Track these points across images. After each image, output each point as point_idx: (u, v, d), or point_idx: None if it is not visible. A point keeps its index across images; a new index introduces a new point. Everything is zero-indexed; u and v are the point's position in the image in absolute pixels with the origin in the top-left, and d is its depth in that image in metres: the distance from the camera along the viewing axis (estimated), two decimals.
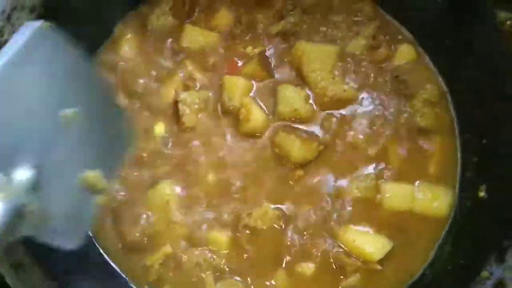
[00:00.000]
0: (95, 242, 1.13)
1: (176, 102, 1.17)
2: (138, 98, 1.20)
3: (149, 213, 1.12)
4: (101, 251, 1.13)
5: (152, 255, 1.11)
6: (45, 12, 1.02)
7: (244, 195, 1.14)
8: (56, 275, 0.92)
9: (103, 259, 1.12)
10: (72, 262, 0.99)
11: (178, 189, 1.14)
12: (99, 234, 1.14)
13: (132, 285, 1.11)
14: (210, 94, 1.21)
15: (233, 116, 1.19)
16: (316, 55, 1.20)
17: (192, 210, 1.13)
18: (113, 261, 1.12)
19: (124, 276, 1.11)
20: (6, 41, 0.94)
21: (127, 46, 1.26)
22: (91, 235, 1.12)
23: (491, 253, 0.96)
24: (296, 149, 1.12)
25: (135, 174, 1.15)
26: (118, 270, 1.12)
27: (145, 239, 1.12)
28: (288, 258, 1.10)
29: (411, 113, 1.20)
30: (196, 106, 1.17)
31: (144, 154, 1.17)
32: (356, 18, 1.30)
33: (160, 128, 1.17)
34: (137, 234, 1.11)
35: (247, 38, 1.26)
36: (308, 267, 1.08)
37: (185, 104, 1.16)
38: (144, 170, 1.16)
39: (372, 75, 1.23)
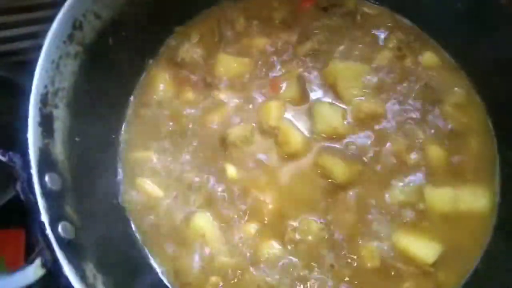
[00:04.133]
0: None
1: (224, 140, 1.21)
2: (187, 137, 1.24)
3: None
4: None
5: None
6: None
7: (289, 212, 1.17)
8: None
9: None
10: None
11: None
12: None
13: None
14: (254, 124, 1.24)
15: (274, 139, 1.23)
16: (349, 73, 1.26)
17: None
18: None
19: None
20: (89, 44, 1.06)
21: (162, 85, 1.29)
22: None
23: None
24: (341, 172, 1.16)
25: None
26: None
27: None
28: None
29: (444, 118, 1.25)
30: (245, 141, 1.21)
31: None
32: (377, 31, 1.36)
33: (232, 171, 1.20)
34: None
35: (279, 61, 1.30)
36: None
37: (236, 147, 1.21)
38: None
39: (402, 86, 1.28)
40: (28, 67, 0.97)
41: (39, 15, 1.39)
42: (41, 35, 1.02)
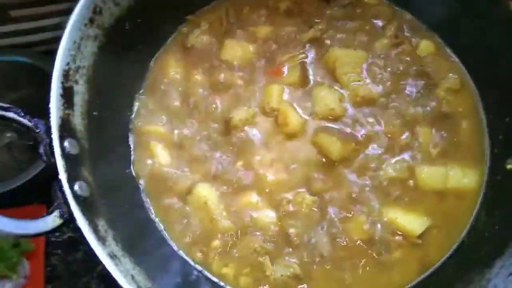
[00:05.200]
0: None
1: (227, 120, 1.30)
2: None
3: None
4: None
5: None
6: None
7: (286, 185, 1.26)
8: (142, 263, 1.07)
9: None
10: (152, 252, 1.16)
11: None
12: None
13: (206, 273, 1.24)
14: (256, 106, 1.33)
15: (275, 120, 1.32)
16: (348, 60, 1.33)
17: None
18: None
19: (196, 266, 1.25)
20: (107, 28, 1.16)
21: (172, 68, 1.39)
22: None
23: None
24: (337, 150, 1.24)
25: None
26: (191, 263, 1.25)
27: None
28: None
29: (437, 102, 1.31)
30: (248, 124, 1.31)
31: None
32: (376, 20, 1.44)
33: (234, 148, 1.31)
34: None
35: (283, 47, 1.39)
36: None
37: (238, 127, 1.30)
38: None
39: (398, 71, 1.35)
40: (51, 55, 1.08)
41: (61, 8, 1.52)
42: (63, 26, 1.12)
